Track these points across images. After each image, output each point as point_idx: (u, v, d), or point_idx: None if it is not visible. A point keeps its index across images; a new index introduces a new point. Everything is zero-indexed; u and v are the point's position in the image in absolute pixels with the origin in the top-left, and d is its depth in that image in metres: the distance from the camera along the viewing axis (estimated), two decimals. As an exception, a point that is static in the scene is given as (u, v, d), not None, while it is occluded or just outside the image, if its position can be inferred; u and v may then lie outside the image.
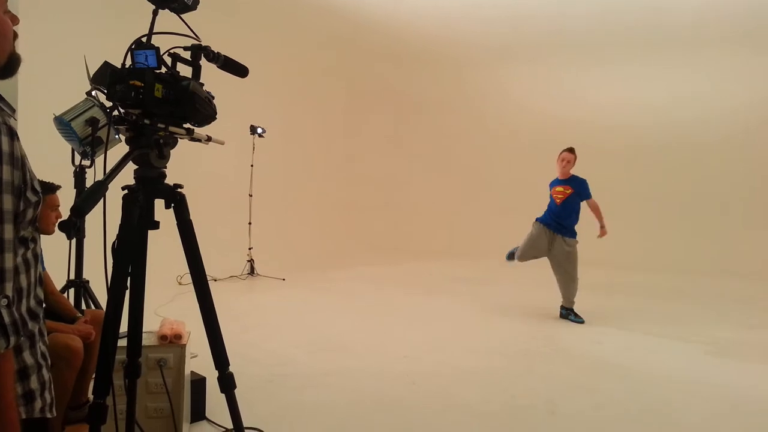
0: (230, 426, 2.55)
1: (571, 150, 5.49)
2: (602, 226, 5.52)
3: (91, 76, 2.63)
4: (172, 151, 1.79)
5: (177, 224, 1.83)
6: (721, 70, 9.07)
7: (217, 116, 1.79)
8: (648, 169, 9.60)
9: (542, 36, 9.18)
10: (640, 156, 9.62)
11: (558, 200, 5.48)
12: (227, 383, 1.90)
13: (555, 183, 5.61)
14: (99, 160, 3.23)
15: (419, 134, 11.39)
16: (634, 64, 9.54)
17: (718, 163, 9.16)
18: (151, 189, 1.76)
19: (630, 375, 3.81)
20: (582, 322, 5.33)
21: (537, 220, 5.62)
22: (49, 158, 3.47)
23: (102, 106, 3.08)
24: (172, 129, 1.73)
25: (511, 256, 5.81)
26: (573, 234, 5.45)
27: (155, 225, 1.81)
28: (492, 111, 10.80)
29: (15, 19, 1.23)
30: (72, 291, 3.50)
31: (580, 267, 5.37)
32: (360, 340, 4.57)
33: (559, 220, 5.45)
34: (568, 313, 5.49)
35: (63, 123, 3.00)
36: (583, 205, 5.48)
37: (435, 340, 4.62)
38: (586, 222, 5.45)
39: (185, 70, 1.75)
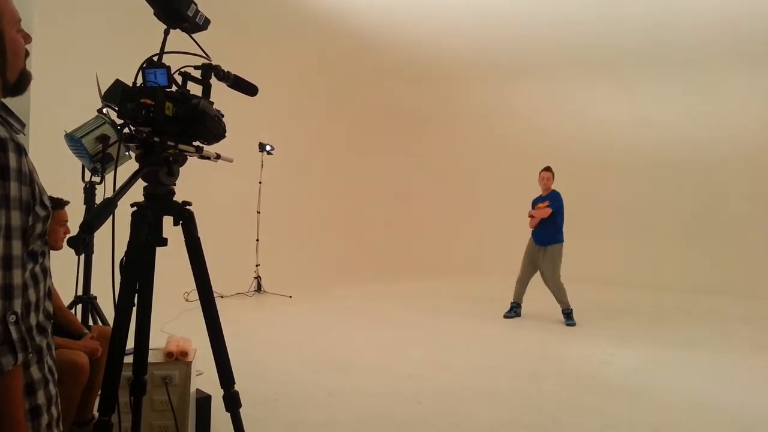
0: (235, 445, 2.54)
1: (547, 168, 6.30)
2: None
3: (103, 93, 2.66)
4: (180, 168, 1.80)
5: (185, 241, 1.83)
6: (727, 89, 9.05)
7: (226, 134, 1.80)
8: (654, 187, 9.55)
9: (551, 53, 9.22)
10: (646, 174, 9.58)
11: None
12: (233, 402, 1.88)
13: (537, 200, 6.35)
14: (109, 176, 3.26)
15: (427, 151, 11.40)
16: (641, 82, 9.54)
17: (724, 183, 9.10)
18: (160, 206, 1.77)
19: (638, 396, 3.76)
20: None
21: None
22: (60, 174, 3.50)
23: (113, 123, 3.10)
24: (181, 147, 1.74)
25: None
26: (557, 239, 6.06)
27: (163, 242, 1.81)
28: (500, 127, 10.82)
29: (27, 38, 1.24)
30: (79, 307, 3.50)
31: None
32: (365, 358, 4.54)
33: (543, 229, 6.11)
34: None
35: (74, 140, 3.03)
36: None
37: (441, 359, 4.58)
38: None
39: (196, 89, 1.77)
